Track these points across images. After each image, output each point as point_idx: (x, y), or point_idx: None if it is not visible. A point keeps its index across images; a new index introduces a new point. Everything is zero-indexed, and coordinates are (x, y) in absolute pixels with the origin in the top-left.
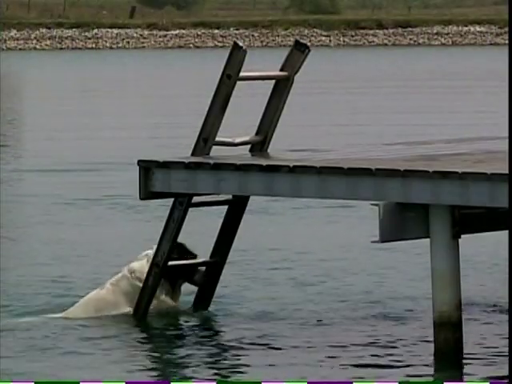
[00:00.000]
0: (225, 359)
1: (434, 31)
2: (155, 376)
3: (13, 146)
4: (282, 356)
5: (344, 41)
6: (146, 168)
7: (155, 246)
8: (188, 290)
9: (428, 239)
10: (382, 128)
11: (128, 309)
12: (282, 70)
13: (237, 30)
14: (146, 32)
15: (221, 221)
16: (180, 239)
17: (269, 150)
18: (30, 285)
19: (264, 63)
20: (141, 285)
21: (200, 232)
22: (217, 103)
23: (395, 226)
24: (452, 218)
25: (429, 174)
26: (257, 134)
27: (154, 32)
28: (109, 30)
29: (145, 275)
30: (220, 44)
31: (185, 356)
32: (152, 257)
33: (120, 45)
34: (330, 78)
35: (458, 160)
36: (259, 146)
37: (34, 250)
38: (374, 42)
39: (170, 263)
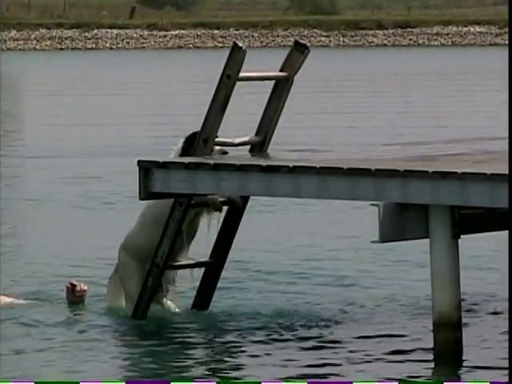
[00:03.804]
0: (225, 359)
1: (434, 31)
2: (155, 376)
3: (10, 143)
4: (282, 356)
5: (344, 41)
6: (146, 168)
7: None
8: (188, 290)
9: (428, 239)
10: (382, 128)
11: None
12: (281, 70)
13: (237, 30)
14: (145, 32)
15: (221, 221)
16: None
17: (269, 150)
18: (25, 281)
19: (264, 63)
20: None
21: (200, 232)
22: (217, 103)
23: (395, 226)
24: (452, 219)
25: (428, 174)
26: (257, 134)
27: (154, 32)
28: (109, 30)
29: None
30: (220, 44)
31: (185, 356)
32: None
33: (120, 45)
34: (330, 78)
35: (458, 160)
36: (259, 146)
37: (30, 246)
38: (373, 42)
39: None
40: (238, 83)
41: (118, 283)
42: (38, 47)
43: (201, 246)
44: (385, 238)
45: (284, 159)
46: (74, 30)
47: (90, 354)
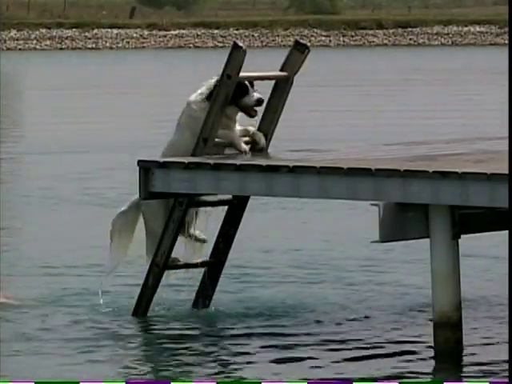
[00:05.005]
0: (225, 359)
1: (434, 31)
2: (155, 376)
3: (10, 141)
4: (282, 356)
5: (344, 41)
6: (146, 168)
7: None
8: (188, 290)
9: (428, 239)
10: (382, 128)
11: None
12: (281, 70)
13: (237, 30)
14: (145, 32)
15: (221, 221)
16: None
17: (269, 150)
18: (25, 280)
19: (264, 63)
20: (194, 115)
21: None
22: (217, 103)
23: (395, 226)
24: (452, 219)
25: (428, 174)
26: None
27: (154, 32)
28: (109, 30)
29: (199, 107)
30: (220, 44)
31: (185, 356)
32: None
33: (120, 45)
34: (330, 78)
35: (458, 160)
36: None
37: (28, 244)
38: (373, 42)
39: None
40: None
41: (129, 223)
42: (38, 47)
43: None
44: (385, 237)
45: (284, 159)
46: (73, 29)
47: (90, 354)
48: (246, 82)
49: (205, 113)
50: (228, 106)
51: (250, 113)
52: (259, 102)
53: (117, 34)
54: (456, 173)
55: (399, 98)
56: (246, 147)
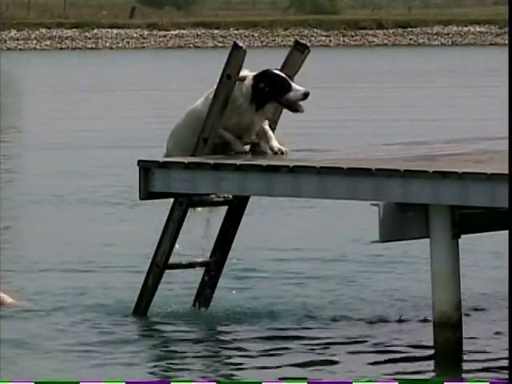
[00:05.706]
0: (225, 359)
1: (434, 31)
2: (155, 376)
3: (9, 139)
4: (282, 356)
5: (344, 41)
6: (146, 168)
7: None
8: (188, 290)
9: (428, 239)
10: (383, 128)
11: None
12: (281, 70)
13: (237, 30)
14: (145, 32)
15: (221, 221)
16: (180, 239)
17: None
18: (25, 280)
19: (264, 63)
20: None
21: (200, 232)
22: (217, 103)
23: (395, 226)
24: (452, 218)
25: (428, 174)
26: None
27: (154, 32)
28: (109, 30)
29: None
30: (220, 44)
31: (185, 356)
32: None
33: (120, 45)
34: (330, 78)
35: (458, 160)
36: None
37: (28, 243)
38: (373, 42)
39: None
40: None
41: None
42: (38, 47)
43: (201, 245)
44: (385, 237)
45: (284, 159)
46: (73, 29)
47: (90, 354)
48: (286, 76)
49: (237, 93)
50: (267, 103)
51: (297, 108)
52: (306, 95)
53: (117, 34)
54: (456, 173)
55: (399, 98)
56: (243, 147)
